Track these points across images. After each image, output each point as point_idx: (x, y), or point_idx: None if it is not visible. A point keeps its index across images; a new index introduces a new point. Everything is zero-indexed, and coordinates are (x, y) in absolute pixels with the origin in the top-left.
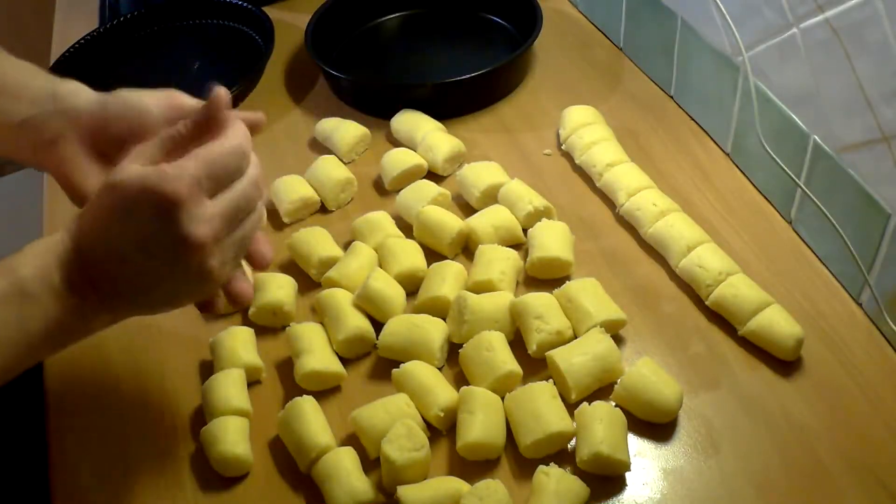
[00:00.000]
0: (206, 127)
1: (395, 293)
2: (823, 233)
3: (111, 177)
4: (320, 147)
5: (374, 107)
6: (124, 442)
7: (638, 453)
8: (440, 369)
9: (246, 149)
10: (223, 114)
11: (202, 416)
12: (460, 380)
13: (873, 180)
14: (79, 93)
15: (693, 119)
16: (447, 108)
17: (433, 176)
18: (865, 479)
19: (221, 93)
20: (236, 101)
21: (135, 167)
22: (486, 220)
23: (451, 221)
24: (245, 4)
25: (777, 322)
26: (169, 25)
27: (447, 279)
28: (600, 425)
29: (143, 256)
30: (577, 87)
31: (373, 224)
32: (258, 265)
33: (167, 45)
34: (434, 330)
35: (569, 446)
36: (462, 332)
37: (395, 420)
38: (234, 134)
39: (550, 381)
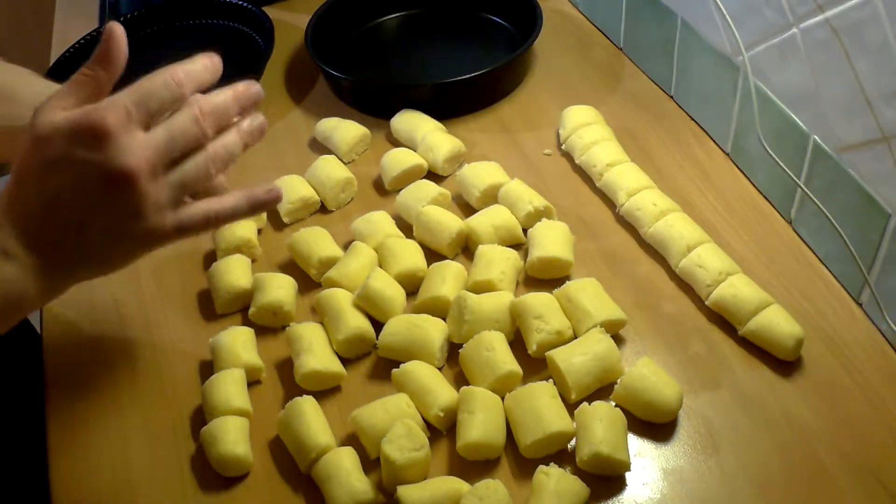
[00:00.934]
0: (109, 61)
1: (395, 293)
2: (823, 233)
3: (36, 128)
4: (320, 147)
5: (374, 107)
6: (124, 442)
7: (638, 453)
8: (440, 369)
9: (178, 77)
10: (120, 46)
11: (202, 416)
12: (460, 380)
13: (873, 180)
14: None
15: (693, 119)
16: (447, 108)
17: (433, 176)
18: (865, 479)
19: (114, 27)
20: None
21: (59, 112)
22: (486, 220)
23: (451, 221)
24: (245, 4)
25: (777, 322)
26: (169, 25)
27: (447, 279)
28: (600, 425)
29: (76, 197)
30: (577, 87)
31: (373, 224)
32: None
33: (167, 45)
34: (434, 330)
35: (569, 446)
36: (462, 332)
37: (395, 420)
38: (171, 67)
39: (550, 381)
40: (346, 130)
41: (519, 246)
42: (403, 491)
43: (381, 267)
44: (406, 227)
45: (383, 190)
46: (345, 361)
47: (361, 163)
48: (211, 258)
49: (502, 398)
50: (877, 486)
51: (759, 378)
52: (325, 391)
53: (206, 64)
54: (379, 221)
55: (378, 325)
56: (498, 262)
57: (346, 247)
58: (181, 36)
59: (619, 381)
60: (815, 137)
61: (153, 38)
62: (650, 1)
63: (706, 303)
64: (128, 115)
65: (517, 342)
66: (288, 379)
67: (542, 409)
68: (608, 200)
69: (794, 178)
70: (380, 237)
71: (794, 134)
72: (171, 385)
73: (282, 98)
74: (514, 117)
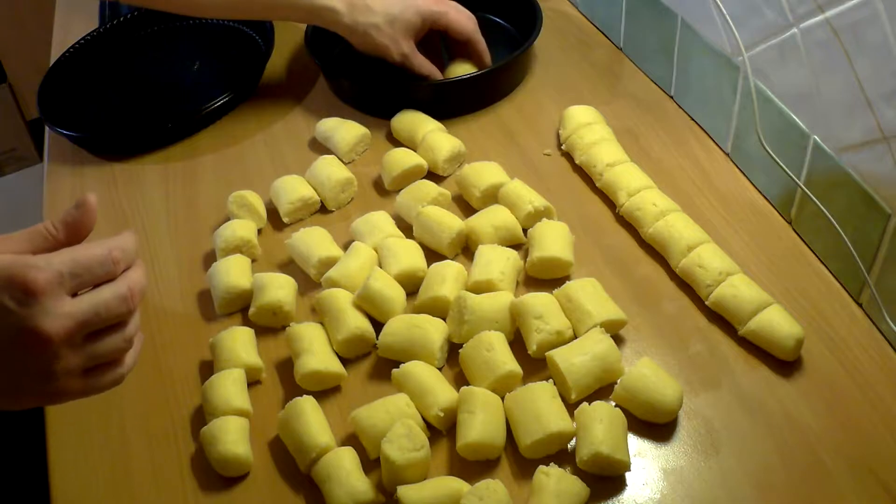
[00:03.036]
0: (74, 230)
1: (395, 293)
2: (823, 233)
3: None
4: (320, 147)
5: (374, 107)
6: (124, 442)
7: (638, 453)
8: (440, 369)
9: (115, 255)
10: (89, 219)
11: (202, 416)
12: (460, 380)
13: (873, 180)
14: None
15: (693, 119)
16: (447, 108)
17: (433, 176)
18: (865, 479)
19: (89, 199)
20: (237, 101)
21: (7, 255)
22: (486, 220)
23: (451, 221)
24: None
25: (777, 322)
26: (169, 25)
27: (447, 279)
28: (600, 425)
29: None
30: (577, 87)
31: (373, 224)
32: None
33: (167, 45)
34: (434, 330)
35: (569, 446)
36: (462, 332)
37: (395, 420)
38: (110, 243)
39: (550, 381)
40: (346, 130)
41: (519, 246)
42: (403, 491)
43: (381, 267)
44: (406, 227)
45: (383, 190)
46: (345, 361)
47: (361, 163)
48: (211, 258)
49: (502, 398)
50: (877, 486)
51: (759, 378)
52: (325, 391)
53: (135, 240)
54: (379, 221)
55: (378, 325)
56: (498, 262)
57: (346, 247)
58: (181, 36)
59: (619, 381)
60: (815, 137)
61: (153, 38)
62: (650, 1)
63: (706, 303)
64: (60, 281)
65: (517, 342)
66: (288, 379)
67: (542, 409)
68: (608, 200)
69: (794, 178)
70: (380, 237)
71: (794, 134)
72: (171, 385)
73: (282, 98)
74: (514, 117)
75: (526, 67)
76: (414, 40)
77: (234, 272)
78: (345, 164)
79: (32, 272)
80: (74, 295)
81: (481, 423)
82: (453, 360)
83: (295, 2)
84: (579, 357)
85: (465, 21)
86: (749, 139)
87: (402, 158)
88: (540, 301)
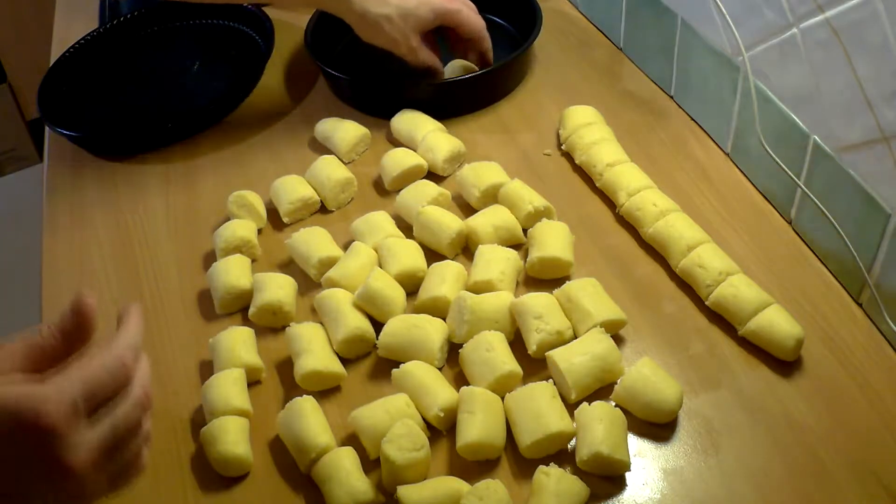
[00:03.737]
0: (74, 338)
1: (395, 293)
2: (823, 233)
3: None
4: (320, 147)
5: (374, 107)
6: None
7: (638, 453)
8: (440, 369)
9: (127, 360)
10: (89, 325)
11: (202, 416)
12: (460, 380)
13: (873, 180)
14: None
15: (693, 119)
16: (447, 108)
17: (433, 176)
18: (865, 479)
19: (85, 300)
20: (236, 101)
21: (9, 387)
22: (486, 220)
23: (451, 221)
24: (245, 4)
25: (777, 322)
26: (169, 25)
27: (447, 279)
28: (600, 425)
29: (14, 483)
30: (577, 87)
31: (373, 224)
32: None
33: (167, 45)
34: (434, 330)
35: (569, 446)
36: (462, 332)
37: (395, 420)
38: (119, 345)
39: (550, 381)
40: (346, 130)
41: (519, 246)
42: (403, 491)
43: (380, 267)
44: (406, 227)
45: (383, 190)
46: (345, 361)
47: (361, 163)
48: (211, 258)
49: (502, 398)
50: (877, 486)
51: (759, 378)
52: (325, 391)
53: (141, 324)
54: (379, 221)
55: (378, 325)
56: (498, 262)
57: (346, 247)
58: (181, 36)
59: (619, 381)
60: (815, 137)
61: (153, 38)
62: (650, 1)
63: (706, 303)
64: (75, 411)
65: (517, 342)
66: (288, 379)
67: (542, 409)
68: (608, 200)
69: (794, 178)
70: (380, 237)
71: (794, 134)
72: (171, 385)
73: (282, 98)
74: (514, 117)
75: (526, 67)
76: (421, 35)
77: (234, 272)
78: (345, 164)
79: (44, 409)
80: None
81: (481, 423)
82: (453, 360)
83: None
84: (579, 357)
85: (476, 19)
86: (749, 139)
87: (402, 158)
88: (540, 301)
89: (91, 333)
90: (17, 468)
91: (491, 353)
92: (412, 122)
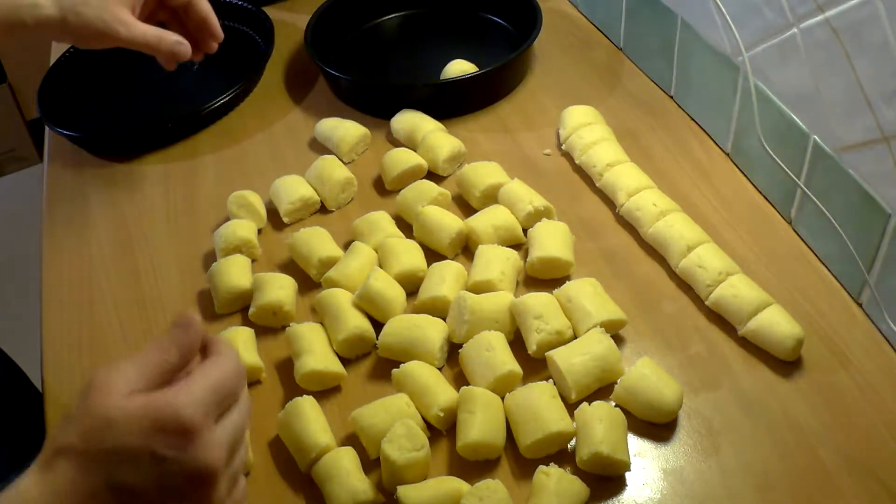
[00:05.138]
0: (188, 353)
1: (395, 293)
2: (823, 233)
3: (103, 409)
4: (320, 147)
5: (374, 107)
6: None
7: (638, 453)
8: (440, 369)
9: (243, 369)
10: (198, 339)
11: None
12: (460, 380)
13: (873, 180)
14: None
15: (693, 119)
16: (447, 108)
17: (433, 176)
18: (865, 479)
19: (195, 319)
20: (236, 101)
21: (138, 398)
22: (486, 220)
23: (451, 221)
24: (245, 4)
25: (777, 322)
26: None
27: (447, 279)
28: (600, 425)
29: (156, 489)
30: (577, 87)
31: (373, 224)
32: None
33: None
34: (434, 330)
35: (569, 446)
36: (462, 332)
37: (395, 420)
38: (230, 355)
39: (550, 381)
40: (346, 130)
41: (519, 246)
42: (403, 491)
43: (381, 267)
44: (406, 227)
45: (383, 190)
46: (345, 361)
47: (361, 163)
48: (211, 258)
49: (502, 398)
50: (877, 486)
51: (759, 378)
52: (325, 391)
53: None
54: (379, 221)
55: (378, 325)
56: (498, 262)
57: (346, 247)
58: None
59: (619, 381)
60: (815, 137)
61: None
62: (650, 1)
63: (706, 303)
64: (208, 413)
65: (517, 342)
66: (288, 379)
67: (542, 409)
68: (608, 200)
69: (795, 178)
70: (380, 237)
71: (794, 134)
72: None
73: (282, 98)
74: (514, 117)
75: (526, 67)
76: (134, 12)
77: (234, 272)
78: (345, 163)
79: (186, 412)
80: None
81: (481, 423)
82: (453, 360)
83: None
84: (579, 357)
85: None
86: (749, 139)
87: (402, 158)
88: (540, 301)
89: (198, 347)
90: (159, 473)
91: (491, 353)
92: (412, 122)
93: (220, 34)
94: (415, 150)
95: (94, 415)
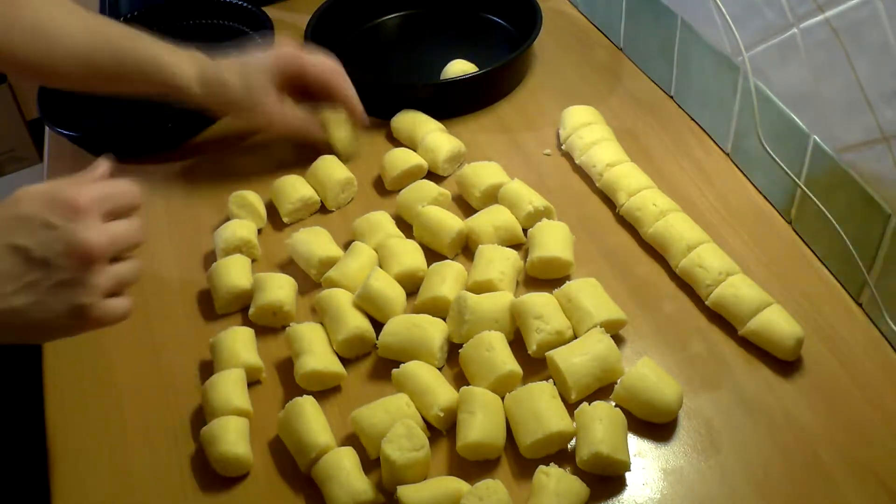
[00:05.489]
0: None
1: (395, 293)
2: (823, 233)
3: (15, 193)
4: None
5: (375, 107)
6: (124, 442)
7: (638, 453)
8: (440, 369)
9: (137, 194)
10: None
11: (202, 416)
12: (460, 380)
13: (873, 180)
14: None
15: (693, 119)
16: (447, 108)
17: (433, 176)
18: (865, 479)
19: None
20: None
21: (43, 184)
22: (486, 220)
23: (451, 221)
24: (245, 4)
25: (777, 322)
26: (169, 25)
27: (447, 279)
28: (600, 425)
29: (42, 254)
30: (577, 87)
31: (373, 224)
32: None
33: None
34: (434, 330)
35: (569, 446)
36: (462, 332)
37: (395, 420)
38: (128, 183)
39: (550, 381)
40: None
41: (519, 246)
42: (403, 491)
43: (381, 267)
44: (406, 227)
45: (383, 190)
46: (345, 361)
47: (361, 163)
48: (211, 258)
49: (502, 398)
50: (877, 486)
51: (759, 378)
52: (325, 391)
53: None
54: (379, 221)
55: (378, 325)
56: (498, 262)
57: (346, 247)
58: (181, 36)
59: (619, 381)
60: (815, 137)
61: None
62: (650, 1)
63: (706, 303)
64: (99, 205)
65: (517, 342)
66: (288, 379)
67: (542, 409)
68: (608, 200)
69: (794, 178)
70: (380, 237)
71: (794, 134)
72: (171, 385)
73: None
74: (514, 117)
75: (526, 67)
76: (278, 87)
77: (234, 272)
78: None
79: (79, 195)
80: None
81: (481, 423)
82: (453, 360)
83: (147, 74)
84: (579, 357)
85: (324, 62)
86: (749, 139)
87: (402, 158)
88: (540, 301)
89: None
90: (47, 238)
91: (491, 353)
92: (412, 122)
93: (364, 118)
94: (415, 150)
95: (7, 200)
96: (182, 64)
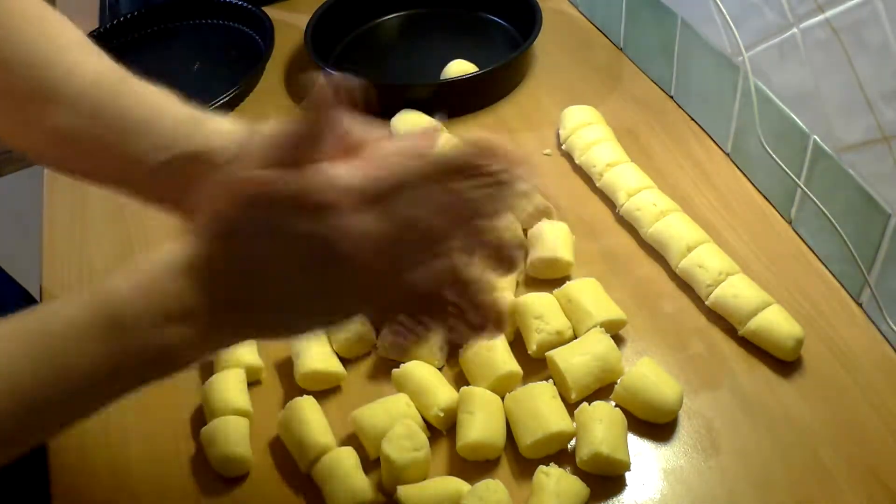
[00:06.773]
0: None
1: None
2: (823, 233)
3: (239, 185)
4: None
5: (374, 107)
6: (124, 442)
7: (638, 453)
8: (440, 369)
9: (421, 149)
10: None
11: (202, 416)
12: (460, 380)
13: (873, 180)
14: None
15: (693, 119)
16: (447, 108)
17: None
18: (865, 479)
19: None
20: (236, 101)
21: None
22: None
23: None
24: (245, 4)
25: (777, 322)
26: (169, 25)
27: None
28: (600, 425)
29: (292, 270)
30: (577, 87)
31: None
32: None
33: (167, 45)
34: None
35: (569, 446)
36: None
37: (395, 420)
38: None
39: (550, 381)
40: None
41: None
42: (403, 491)
43: None
44: None
45: None
46: (345, 361)
47: None
48: None
49: (502, 398)
50: (877, 486)
51: (759, 378)
52: (325, 391)
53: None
54: None
55: None
56: None
57: None
58: (181, 36)
59: (619, 381)
60: (815, 137)
61: (153, 38)
62: (650, 1)
63: (706, 303)
64: (361, 198)
65: (517, 342)
66: (288, 379)
67: (542, 409)
68: (608, 200)
69: (794, 178)
70: None
71: (794, 134)
72: (171, 385)
73: (282, 98)
74: (514, 117)
75: (526, 67)
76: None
77: None
78: None
79: (332, 186)
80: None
81: (481, 423)
82: (453, 360)
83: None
84: (579, 357)
85: None
86: (749, 139)
87: None
88: (540, 301)
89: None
90: (295, 256)
91: (491, 353)
92: (412, 122)
93: None
94: None
95: (231, 189)
96: None
